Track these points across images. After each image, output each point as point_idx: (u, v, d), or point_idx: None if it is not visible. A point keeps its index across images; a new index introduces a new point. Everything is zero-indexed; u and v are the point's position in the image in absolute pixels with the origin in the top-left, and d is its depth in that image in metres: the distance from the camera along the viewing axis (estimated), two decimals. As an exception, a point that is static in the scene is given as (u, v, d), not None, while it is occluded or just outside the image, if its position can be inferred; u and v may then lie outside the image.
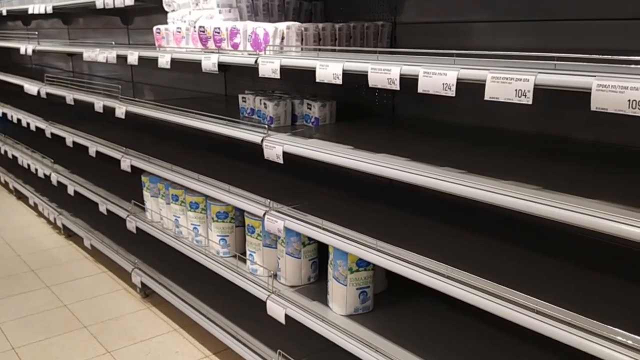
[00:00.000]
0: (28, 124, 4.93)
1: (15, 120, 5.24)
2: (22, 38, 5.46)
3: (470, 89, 1.66)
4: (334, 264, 2.22)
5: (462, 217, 2.24)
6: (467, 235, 2.07)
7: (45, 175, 4.87)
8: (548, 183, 1.60)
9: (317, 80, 2.00)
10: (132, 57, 3.14)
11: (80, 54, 3.74)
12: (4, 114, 5.56)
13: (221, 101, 3.56)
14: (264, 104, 2.57)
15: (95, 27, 5.32)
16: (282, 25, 2.32)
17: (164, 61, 2.83)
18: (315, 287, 2.49)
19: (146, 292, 3.68)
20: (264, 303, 2.44)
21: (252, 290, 2.54)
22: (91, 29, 5.41)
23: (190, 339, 3.19)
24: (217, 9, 2.62)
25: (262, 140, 2.32)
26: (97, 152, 3.80)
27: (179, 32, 2.86)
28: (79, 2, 3.90)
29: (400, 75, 1.72)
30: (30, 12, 4.56)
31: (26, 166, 5.32)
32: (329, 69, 1.95)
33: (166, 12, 3.02)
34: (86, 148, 3.91)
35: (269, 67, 2.21)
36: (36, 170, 5.07)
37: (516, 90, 1.39)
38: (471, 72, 1.52)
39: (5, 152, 5.87)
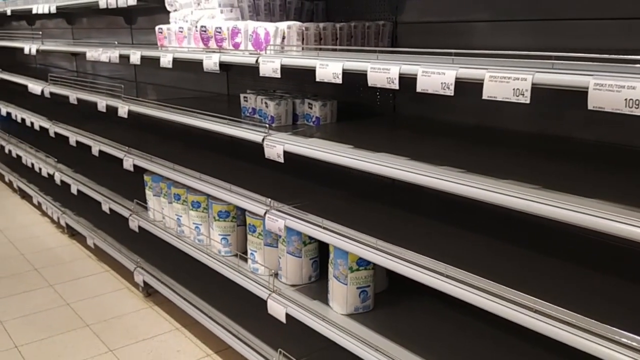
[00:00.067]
0: (32, 123, 4.95)
1: (19, 120, 5.26)
2: (26, 38, 5.49)
3: (470, 89, 1.65)
4: (335, 263, 2.22)
5: (463, 217, 2.24)
6: (468, 235, 2.07)
7: (49, 174, 4.89)
8: (548, 182, 1.60)
9: (317, 79, 2.00)
10: (135, 56, 3.15)
11: (84, 54, 3.75)
12: (9, 113, 5.59)
13: (224, 101, 3.57)
14: (265, 103, 2.58)
15: (99, 27, 5.34)
16: (283, 25, 2.32)
17: (166, 61, 2.84)
18: (316, 286, 2.49)
19: (148, 291, 3.69)
20: (265, 302, 2.45)
21: (253, 289, 2.54)
22: (95, 29, 5.43)
23: (192, 337, 3.20)
24: (218, 8, 2.63)
25: (263, 140, 2.32)
26: (100, 152, 3.81)
27: (181, 31, 2.86)
28: (83, 2, 3.91)
29: (399, 74, 1.72)
30: (34, 12, 4.58)
31: (30, 165, 5.34)
32: (329, 68, 1.95)
33: (169, 12, 3.03)
34: (89, 147, 3.93)
35: (269, 67, 2.21)
36: (40, 169, 5.09)
37: (514, 89, 1.39)
38: (469, 72, 1.52)
39: (10, 151, 5.90)
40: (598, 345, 1.38)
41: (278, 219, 2.33)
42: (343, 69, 1.92)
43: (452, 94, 1.56)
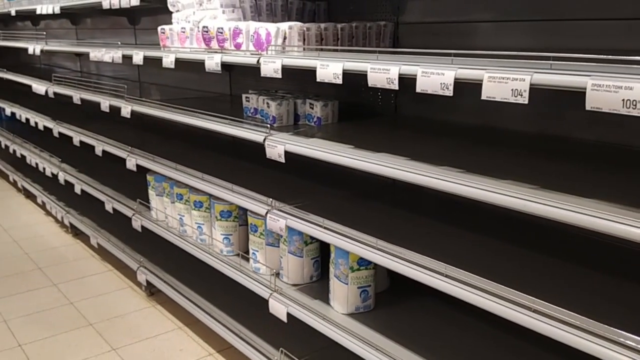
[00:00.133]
0: (36, 123, 4.98)
1: (23, 120, 5.29)
2: (30, 38, 5.51)
3: (471, 89, 1.66)
4: (336, 263, 2.22)
5: (463, 217, 2.24)
6: (468, 235, 2.07)
7: (52, 174, 4.92)
8: (548, 183, 1.60)
9: (318, 79, 2.01)
10: (137, 57, 3.16)
11: (88, 54, 3.77)
12: (13, 113, 5.62)
13: (226, 101, 3.58)
14: (267, 103, 2.59)
15: (103, 28, 5.36)
16: (284, 25, 2.33)
17: (169, 61, 2.85)
18: (317, 285, 2.50)
19: (151, 291, 3.71)
20: (266, 301, 2.45)
21: (255, 289, 2.55)
22: (99, 29, 5.45)
23: (194, 336, 3.21)
24: (220, 9, 2.64)
25: (264, 140, 2.33)
26: (104, 152, 3.83)
27: (183, 32, 2.88)
28: (86, 3, 3.93)
29: (399, 75, 1.73)
30: (38, 12, 4.60)
31: (34, 165, 5.37)
32: (329, 68, 1.96)
33: (171, 13, 3.04)
34: (93, 147, 3.95)
35: (270, 67, 2.22)
36: (44, 169, 5.11)
37: (512, 89, 1.40)
38: (468, 72, 1.53)
39: (14, 151, 5.93)
40: (597, 346, 1.38)
41: (279, 218, 2.33)
42: (343, 70, 1.93)
43: (451, 94, 1.57)
